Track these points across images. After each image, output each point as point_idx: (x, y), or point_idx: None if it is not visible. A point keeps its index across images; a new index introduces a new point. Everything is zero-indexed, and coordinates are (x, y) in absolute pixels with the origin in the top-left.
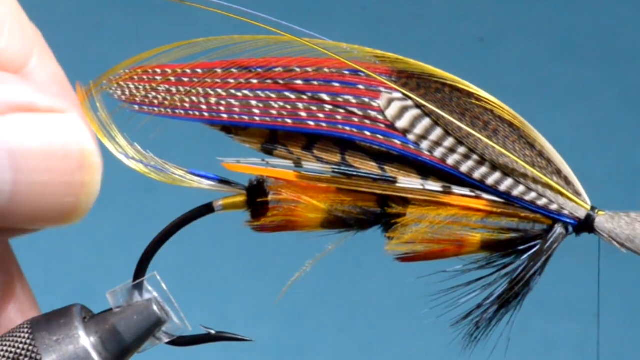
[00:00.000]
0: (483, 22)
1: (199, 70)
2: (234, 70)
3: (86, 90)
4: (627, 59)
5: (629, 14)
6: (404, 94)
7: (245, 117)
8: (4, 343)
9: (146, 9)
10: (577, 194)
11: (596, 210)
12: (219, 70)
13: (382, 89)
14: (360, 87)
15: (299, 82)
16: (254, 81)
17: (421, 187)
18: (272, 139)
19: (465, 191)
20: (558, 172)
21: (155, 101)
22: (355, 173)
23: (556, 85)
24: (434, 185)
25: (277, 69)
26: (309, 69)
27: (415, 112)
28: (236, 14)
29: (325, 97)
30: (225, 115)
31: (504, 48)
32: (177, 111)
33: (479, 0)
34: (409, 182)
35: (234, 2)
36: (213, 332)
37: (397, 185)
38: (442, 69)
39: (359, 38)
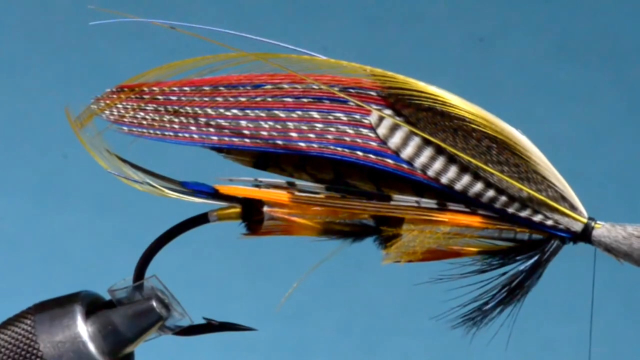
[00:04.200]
0: (483, 22)
1: (187, 89)
2: (222, 88)
3: (78, 116)
4: (627, 59)
5: (629, 14)
6: (392, 117)
7: (236, 140)
8: (6, 331)
9: (145, 8)
10: (573, 207)
11: (593, 223)
12: (207, 88)
13: (373, 105)
14: (351, 104)
15: (288, 99)
16: (243, 99)
17: (416, 205)
18: (263, 157)
19: (461, 207)
20: (554, 187)
21: (144, 122)
22: (349, 191)
23: (556, 85)
24: (429, 202)
25: (266, 86)
26: (298, 86)
27: (408, 129)
28: (222, 33)
29: (315, 115)
30: (215, 138)
31: (504, 48)
32: (166, 133)
33: (479, 0)
34: (403, 199)
35: (232, 6)
36: (216, 322)
37: (392, 203)
38: (443, 69)
39: (358, 38)
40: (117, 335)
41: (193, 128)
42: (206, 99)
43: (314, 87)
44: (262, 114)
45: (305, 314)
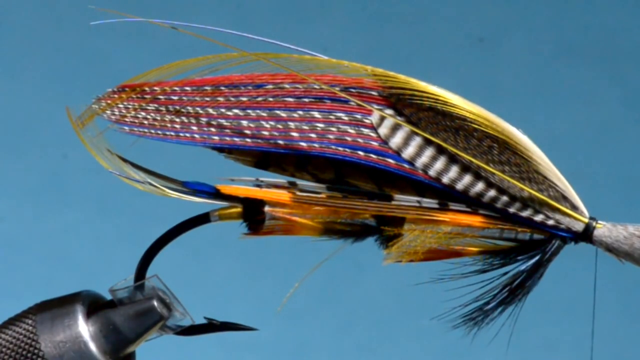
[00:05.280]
0: (483, 22)
1: (188, 88)
2: (223, 88)
3: (79, 116)
4: (627, 60)
5: (629, 14)
6: (394, 116)
7: (237, 139)
8: (7, 330)
9: (144, 9)
10: (575, 207)
11: (594, 223)
12: (208, 88)
13: (374, 105)
14: (352, 103)
15: (290, 99)
16: (244, 99)
17: (417, 205)
18: (265, 157)
19: (462, 207)
20: (555, 187)
21: (145, 122)
22: (350, 191)
23: (556, 85)
24: (431, 202)
25: (267, 86)
26: (299, 86)
27: (409, 128)
28: (223, 33)
29: (316, 114)
30: (216, 137)
31: (504, 48)
32: (167, 132)
33: (479, 0)
34: (405, 199)
35: (233, 6)
36: (217, 322)
37: (393, 202)
38: (443, 69)
39: (359, 38)
40: (118, 335)
41: (194, 128)
42: (207, 98)
43: (315, 86)
44: (264, 114)
45: (306, 314)
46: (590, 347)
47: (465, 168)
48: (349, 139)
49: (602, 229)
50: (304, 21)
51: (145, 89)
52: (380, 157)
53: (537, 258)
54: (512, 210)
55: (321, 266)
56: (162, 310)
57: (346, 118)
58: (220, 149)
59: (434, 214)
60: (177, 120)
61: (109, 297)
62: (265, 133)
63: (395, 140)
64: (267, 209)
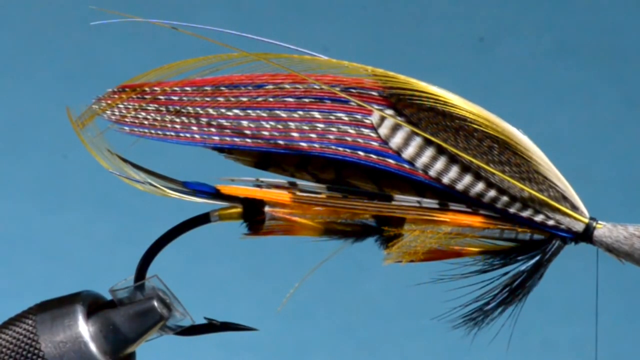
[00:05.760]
0: (483, 22)
1: (188, 89)
2: (223, 88)
3: (79, 116)
4: (627, 59)
5: (629, 14)
6: (394, 117)
7: (237, 140)
8: (7, 330)
9: (144, 9)
10: (575, 207)
11: (594, 223)
12: (208, 88)
13: (374, 105)
14: (352, 104)
15: (290, 99)
16: (244, 99)
17: (418, 205)
18: (265, 158)
19: (462, 207)
20: (555, 187)
21: (146, 122)
22: (350, 191)
23: (556, 85)
24: (431, 202)
25: (267, 86)
26: (299, 86)
27: (409, 129)
28: (223, 33)
29: (316, 115)
30: (216, 138)
31: (504, 48)
32: (167, 133)
33: (479, 0)
34: (405, 199)
35: (233, 6)
36: (217, 322)
37: (394, 203)
38: (443, 69)
39: (360, 38)
40: (118, 335)
41: (194, 128)
42: (208, 99)
43: (316, 87)
44: (264, 114)
45: (306, 314)
46: (595, 347)
47: (466, 168)
48: (349, 139)
49: (603, 229)
50: (304, 21)
51: (146, 89)
52: (381, 158)
53: (537, 258)
54: (512, 210)
55: (321, 266)
56: (162, 311)
57: (346, 118)
58: (220, 149)
59: (434, 214)
60: (177, 120)
61: (109, 297)
62: (266, 133)
63: (396, 141)
64: (267, 209)
